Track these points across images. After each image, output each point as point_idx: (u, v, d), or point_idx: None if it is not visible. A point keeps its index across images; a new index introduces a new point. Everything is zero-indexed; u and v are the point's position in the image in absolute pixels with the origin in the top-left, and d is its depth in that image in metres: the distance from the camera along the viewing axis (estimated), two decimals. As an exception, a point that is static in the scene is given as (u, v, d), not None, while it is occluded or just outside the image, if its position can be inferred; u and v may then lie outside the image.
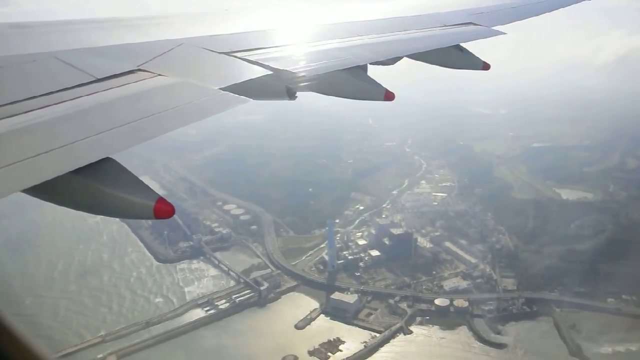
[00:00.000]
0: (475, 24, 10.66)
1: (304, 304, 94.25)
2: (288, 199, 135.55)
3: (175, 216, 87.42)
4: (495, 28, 10.79)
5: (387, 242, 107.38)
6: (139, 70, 5.30)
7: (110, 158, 4.11)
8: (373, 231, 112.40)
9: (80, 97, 4.48)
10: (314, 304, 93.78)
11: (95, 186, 3.92)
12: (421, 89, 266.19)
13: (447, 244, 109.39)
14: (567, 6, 14.71)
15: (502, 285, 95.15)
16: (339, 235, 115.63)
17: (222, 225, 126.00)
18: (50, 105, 4.24)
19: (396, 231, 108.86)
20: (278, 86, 6.94)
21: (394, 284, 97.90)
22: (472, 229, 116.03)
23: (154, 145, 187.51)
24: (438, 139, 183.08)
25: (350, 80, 7.42)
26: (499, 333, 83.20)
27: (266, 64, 6.36)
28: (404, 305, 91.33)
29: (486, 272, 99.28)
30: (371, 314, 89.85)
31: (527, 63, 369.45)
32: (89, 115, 4.38)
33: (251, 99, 5.38)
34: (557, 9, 14.02)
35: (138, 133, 4.44)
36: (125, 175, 4.19)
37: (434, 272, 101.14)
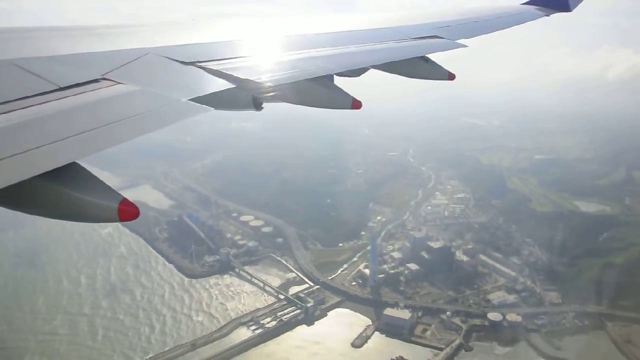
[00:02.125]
0: (439, 37, 10.99)
1: (353, 320, 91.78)
2: (306, 210, 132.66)
3: (196, 229, 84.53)
4: (458, 41, 11.17)
5: (425, 256, 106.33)
6: (103, 79, 5.15)
7: (74, 162, 3.89)
8: (408, 244, 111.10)
9: (40, 104, 4.31)
10: (365, 320, 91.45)
11: (54, 189, 3.73)
12: (413, 100, 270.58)
13: (482, 256, 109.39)
14: (526, 22, 15.39)
15: (547, 299, 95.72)
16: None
17: (244, 238, 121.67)
18: (8, 112, 4.07)
19: (435, 245, 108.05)
20: (244, 96, 7.03)
21: (440, 298, 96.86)
22: (501, 241, 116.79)
23: (150, 152, 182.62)
24: (439, 149, 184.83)
25: (317, 89, 7.36)
26: (559, 348, 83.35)
27: (232, 74, 6.28)
28: (456, 320, 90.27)
29: (528, 286, 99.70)
30: (426, 329, 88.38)
31: (503, 76, 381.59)
32: (48, 122, 4.16)
33: (212, 108, 5.22)
34: (516, 25, 14.66)
35: (97, 140, 4.17)
36: (88, 178, 3.92)
37: (476, 286, 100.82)
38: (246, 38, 8.64)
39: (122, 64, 5.69)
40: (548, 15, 16.87)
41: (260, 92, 6.92)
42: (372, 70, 9.35)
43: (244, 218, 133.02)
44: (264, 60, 7.62)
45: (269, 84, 6.57)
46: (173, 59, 6.32)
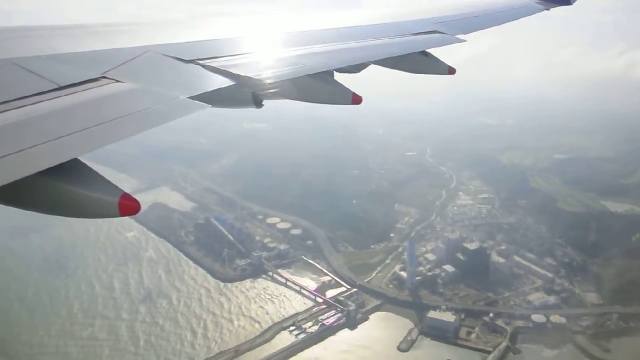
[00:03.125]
0: (439, 32, 10.99)
1: (396, 323, 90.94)
2: (332, 211, 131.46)
3: (225, 231, 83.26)
4: (458, 36, 11.19)
5: (461, 257, 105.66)
6: (103, 77, 5.15)
7: (76, 159, 3.92)
8: (442, 245, 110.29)
9: (39, 102, 4.32)
10: (407, 323, 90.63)
11: (54, 185, 3.78)
12: (423, 98, 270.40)
13: (516, 257, 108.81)
14: (527, 16, 15.45)
15: (588, 300, 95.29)
16: (405, 250, 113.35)
17: (274, 240, 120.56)
18: (7, 111, 4.09)
19: (471, 246, 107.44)
20: (244, 93, 7.02)
21: (480, 300, 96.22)
22: (533, 242, 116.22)
23: (165, 154, 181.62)
24: (456, 149, 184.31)
25: (317, 85, 7.40)
26: (607, 350, 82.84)
27: (231, 71, 6.31)
28: (499, 322, 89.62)
29: (566, 287, 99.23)
30: (471, 332, 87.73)
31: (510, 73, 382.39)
32: (48, 120, 4.16)
33: (210, 105, 5.23)
34: (517, 19, 14.76)
35: (96, 137, 4.15)
36: (88, 174, 3.94)
37: (514, 287, 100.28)
38: (245, 35, 8.65)
39: (122, 62, 5.70)
40: (548, 9, 16.91)
41: (260, 89, 6.94)
42: (372, 67, 9.41)
43: (270, 220, 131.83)
44: (263, 57, 7.65)
45: (269, 80, 6.57)
46: (173, 57, 6.33)
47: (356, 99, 7.43)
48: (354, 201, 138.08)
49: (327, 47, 8.52)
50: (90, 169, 3.99)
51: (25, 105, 4.23)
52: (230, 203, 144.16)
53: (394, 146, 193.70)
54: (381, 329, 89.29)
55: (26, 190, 3.76)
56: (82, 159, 4.01)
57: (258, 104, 7.34)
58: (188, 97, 5.22)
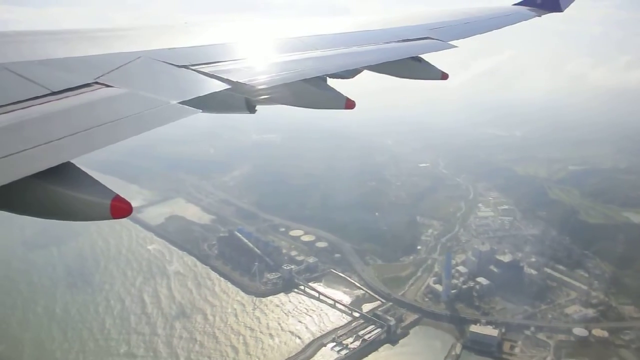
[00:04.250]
0: (431, 38, 11.07)
1: (437, 338, 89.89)
2: (356, 224, 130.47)
3: (250, 245, 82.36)
4: (451, 42, 11.27)
5: (495, 270, 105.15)
6: (96, 83, 5.14)
7: (68, 162, 3.93)
8: (473, 258, 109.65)
9: (31, 107, 4.33)
10: (448, 338, 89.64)
11: (45, 188, 3.80)
12: (425, 107, 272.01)
13: (547, 269, 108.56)
14: (517, 23, 15.51)
15: (626, 313, 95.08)
16: (436, 262, 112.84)
17: (301, 253, 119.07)
18: None
19: (505, 258, 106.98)
20: (237, 99, 7.16)
21: (518, 313, 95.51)
22: (560, 254, 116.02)
23: (174, 165, 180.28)
24: (469, 160, 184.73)
25: (310, 90, 7.42)
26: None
27: (225, 76, 6.30)
28: (540, 335, 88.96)
29: (602, 300, 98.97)
30: (514, 346, 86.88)
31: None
32: (38, 124, 4.18)
33: (200, 110, 5.25)
34: (509, 25, 14.88)
35: (87, 141, 4.18)
36: (80, 177, 3.96)
37: (549, 300, 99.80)
38: (239, 41, 8.61)
39: (114, 68, 5.68)
40: (540, 16, 17.11)
41: (253, 95, 6.94)
42: (366, 73, 9.49)
43: (293, 233, 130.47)
44: (257, 62, 7.59)
45: (262, 85, 6.54)
46: (166, 62, 6.32)
47: (349, 104, 7.40)
48: (377, 213, 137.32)
49: (319, 53, 8.49)
50: (83, 172, 3.98)
51: (16, 110, 4.18)
52: (249, 215, 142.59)
53: (406, 157, 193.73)
54: (423, 344, 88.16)
55: (18, 194, 3.75)
56: (75, 163, 4.00)
57: (251, 109, 7.45)
58: (180, 102, 5.19)
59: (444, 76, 9.93)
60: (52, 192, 3.81)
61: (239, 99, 7.18)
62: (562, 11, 18.25)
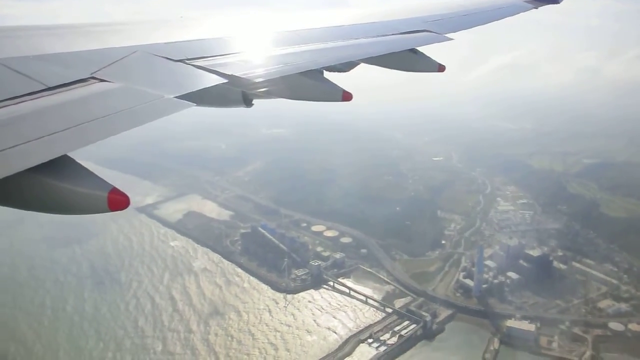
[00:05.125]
0: (428, 31, 11.08)
1: (473, 333, 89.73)
2: (377, 218, 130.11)
3: (275, 241, 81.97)
4: (447, 35, 11.27)
5: (524, 264, 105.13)
6: (92, 77, 5.14)
7: (65, 155, 3.95)
8: (502, 252, 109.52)
9: (25, 101, 4.33)
10: (484, 333, 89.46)
11: (42, 181, 3.81)
12: (432, 102, 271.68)
13: (575, 263, 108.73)
14: (514, 15, 15.52)
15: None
16: (463, 257, 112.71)
17: (326, 249, 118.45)
18: None
19: (534, 253, 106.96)
20: (233, 93, 7.17)
21: (551, 307, 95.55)
22: (586, 248, 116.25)
23: (187, 160, 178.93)
24: (482, 154, 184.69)
25: (307, 83, 7.43)
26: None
27: (221, 70, 6.30)
28: (576, 330, 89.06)
29: (634, 294, 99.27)
30: (551, 341, 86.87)
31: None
32: (33, 118, 4.17)
33: (194, 104, 5.22)
34: (506, 17, 14.90)
35: (82, 135, 4.18)
36: (77, 170, 3.97)
37: (580, 294, 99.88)
38: (235, 35, 8.57)
39: (110, 62, 5.66)
40: (536, 8, 17.07)
41: (249, 88, 6.93)
42: (363, 66, 9.48)
43: (315, 228, 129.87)
44: (253, 56, 7.56)
45: (258, 79, 6.52)
46: (162, 57, 6.31)
47: (346, 96, 7.39)
48: (398, 208, 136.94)
49: (316, 46, 8.47)
50: (80, 165, 3.94)
51: (11, 105, 4.15)
52: (268, 211, 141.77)
53: (418, 151, 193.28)
54: (460, 340, 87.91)
55: (15, 188, 3.74)
56: (72, 155, 3.97)
57: (248, 103, 7.45)
58: (176, 97, 5.19)
59: (440, 68, 9.86)
60: (49, 185, 3.80)
61: (236, 92, 7.16)
62: (558, 3, 18.27)
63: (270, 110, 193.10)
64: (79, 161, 3.98)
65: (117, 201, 3.75)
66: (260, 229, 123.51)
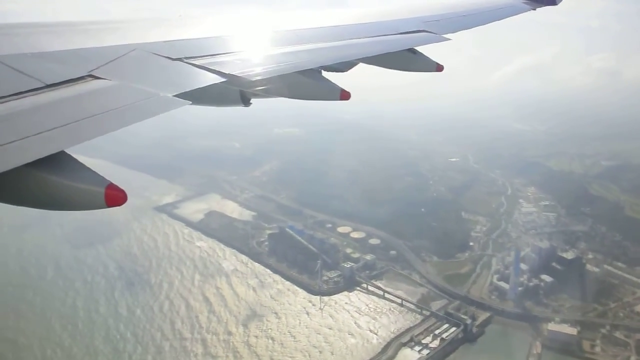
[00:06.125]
0: (427, 31, 11.11)
1: (513, 336, 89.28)
2: (403, 220, 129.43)
3: (304, 242, 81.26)
4: (445, 35, 11.35)
5: (558, 267, 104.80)
6: (90, 75, 5.14)
7: (62, 151, 3.97)
8: (533, 255, 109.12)
9: (22, 98, 4.34)
10: (524, 336, 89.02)
11: (38, 176, 3.82)
12: (440, 102, 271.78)
13: (606, 266, 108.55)
14: (513, 15, 15.64)
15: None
16: (493, 259, 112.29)
17: (355, 251, 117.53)
18: None
19: (568, 255, 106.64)
20: (231, 92, 7.19)
21: (589, 311, 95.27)
22: (615, 250, 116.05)
23: (201, 159, 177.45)
24: (499, 155, 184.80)
25: (305, 81, 7.45)
26: None
27: (219, 69, 6.31)
28: (618, 334, 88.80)
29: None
30: (594, 345, 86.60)
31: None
32: (30, 114, 4.18)
33: (190, 102, 5.25)
34: (504, 18, 15.03)
35: (78, 132, 4.19)
36: (74, 165, 3.98)
37: (616, 298, 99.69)
38: (233, 34, 8.56)
39: (109, 61, 5.64)
40: (535, 9, 17.16)
41: (247, 87, 6.95)
42: (361, 66, 9.56)
43: (341, 229, 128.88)
44: (251, 55, 7.57)
45: (256, 78, 6.51)
46: (160, 55, 6.30)
47: (344, 95, 7.41)
48: (423, 209, 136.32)
49: (314, 46, 8.49)
50: (77, 161, 3.94)
51: (7, 102, 4.15)
52: (291, 211, 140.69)
53: (434, 152, 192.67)
54: (501, 343, 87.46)
55: (12, 184, 3.72)
56: (69, 152, 3.96)
57: (246, 102, 7.45)
58: (174, 95, 5.17)
59: (438, 68, 9.88)
60: (46, 181, 3.77)
61: (234, 91, 7.16)
62: (556, 4, 18.27)
63: (280, 109, 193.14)
64: (82, 160, 3.95)
65: (114, 197, 3.73)
66: (287, 229, 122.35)
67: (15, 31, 6.22)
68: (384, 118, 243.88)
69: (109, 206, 3.76)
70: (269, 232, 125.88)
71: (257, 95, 7.62)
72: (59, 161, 3.86)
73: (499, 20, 14.67)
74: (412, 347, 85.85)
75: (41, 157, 3.63)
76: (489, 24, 14.11)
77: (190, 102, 5.32)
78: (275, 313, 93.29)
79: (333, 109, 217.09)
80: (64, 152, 3.92)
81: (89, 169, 3.93)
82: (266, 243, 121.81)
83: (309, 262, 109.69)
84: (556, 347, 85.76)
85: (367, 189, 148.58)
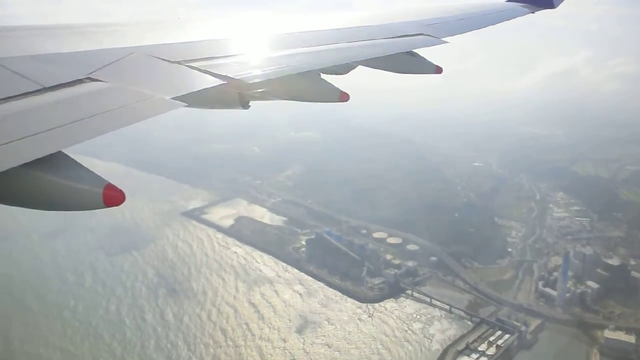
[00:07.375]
0: (425, 35, 11.16)
1: (568, 344, 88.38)
2: (438, 225, 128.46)
3: (345, 248, 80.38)
4: (444, 39, 11.38)
5: (603, 273, 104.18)
6: (88, 78, 5.14)
7: (60, 152, 3.97)
8: (576, 261, 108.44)
9: (20, 99, 4.35)
10: (578, 344, 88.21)
11: (35, 176, 3.82)
12: (458, 105, 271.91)
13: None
14: (512, 19, 15.74)
15: None
16: (535, 264, 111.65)
17: (395, 257, 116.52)
18: None
19: (613, 262, 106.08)
20: (230, 94, 7.18)
21: (639, 317, 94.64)
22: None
23: (222, 163, 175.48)
24: (522, 160, 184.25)
25: (303, 83, 7.50)
26: None
27: (217, 72, 6.28)
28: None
29: None
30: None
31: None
32: (27, 116, 4.18)
33: (185, 104, 5.22)
34: (503, 22, 15.10)
35: (74, 133, 4.18)
36: (72, 166, 4.00)
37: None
38: (232, 37, 8.60)
39: (107, 63, 5.63)
40: (533, 12, 17.27)
41: (245, 89, 7.01)
42: (360, 69, 9.65)
43: (376, 235, 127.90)
44: (250, 58, 7.60)
45: (254, 80, 6.52)
46: (159, 58, 6.27)
47: (343, 97, 7.43)
48: (456, 214, 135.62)
49: (313, 48, 8.51)
50: (75, 161, 3.94)
51: (6, 103, 4.16)
52: (322, 217, 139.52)
53: (456, 157, 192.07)
54: (556, 350, 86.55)
55: (10, 184, 3.72)
56: (66, 152, 3.97)
57: (245, 104, 7.42)
58: (177, 98, 5.16)
59: (438, 70, 9.94)
60: (45, 181, 3.76)
61: (232, 94, 7.20)
62: (554, 7, 18.25)
63: (293, 112, 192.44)
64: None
65: (112, 197, 3.71)
66: (325, 235, 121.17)
67: (15, 34, 6.21)
68: (397, 122, 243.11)
69: (107, 206, 3.73)
70: (305, 237, 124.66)
71: (256, 97, 7.61)
72: (57, 162, 3.83)
73: (497, 23, 14.77)
74: (469, 355, 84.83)
75: (39, 157, 3.58)
76: (488, 27, 14.18)
77: (186, 105, 5.23)
78: (328, 319, 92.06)
79: (346, 113, 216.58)
80: (62, 152, 3.87)
81: (87, 169, 3.89)
82: (303, 249, 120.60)
83: (351, 268, 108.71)
84: (615, 355, 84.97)
85: (397, 195, 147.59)
